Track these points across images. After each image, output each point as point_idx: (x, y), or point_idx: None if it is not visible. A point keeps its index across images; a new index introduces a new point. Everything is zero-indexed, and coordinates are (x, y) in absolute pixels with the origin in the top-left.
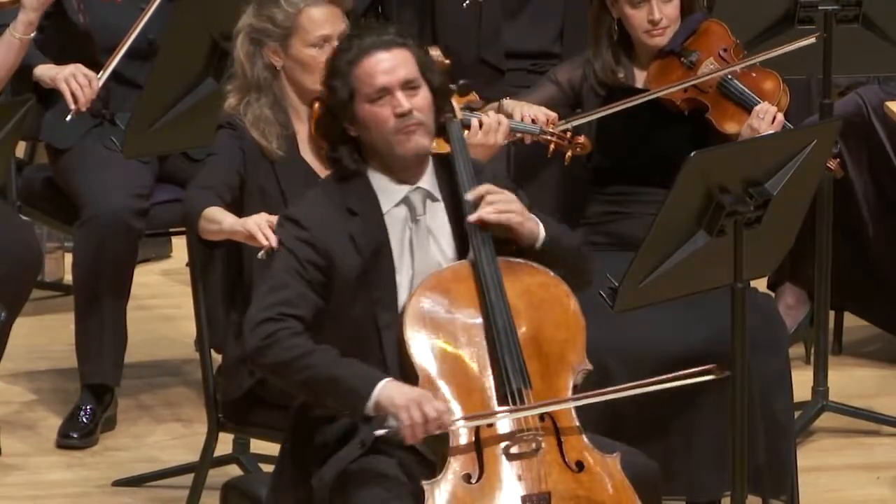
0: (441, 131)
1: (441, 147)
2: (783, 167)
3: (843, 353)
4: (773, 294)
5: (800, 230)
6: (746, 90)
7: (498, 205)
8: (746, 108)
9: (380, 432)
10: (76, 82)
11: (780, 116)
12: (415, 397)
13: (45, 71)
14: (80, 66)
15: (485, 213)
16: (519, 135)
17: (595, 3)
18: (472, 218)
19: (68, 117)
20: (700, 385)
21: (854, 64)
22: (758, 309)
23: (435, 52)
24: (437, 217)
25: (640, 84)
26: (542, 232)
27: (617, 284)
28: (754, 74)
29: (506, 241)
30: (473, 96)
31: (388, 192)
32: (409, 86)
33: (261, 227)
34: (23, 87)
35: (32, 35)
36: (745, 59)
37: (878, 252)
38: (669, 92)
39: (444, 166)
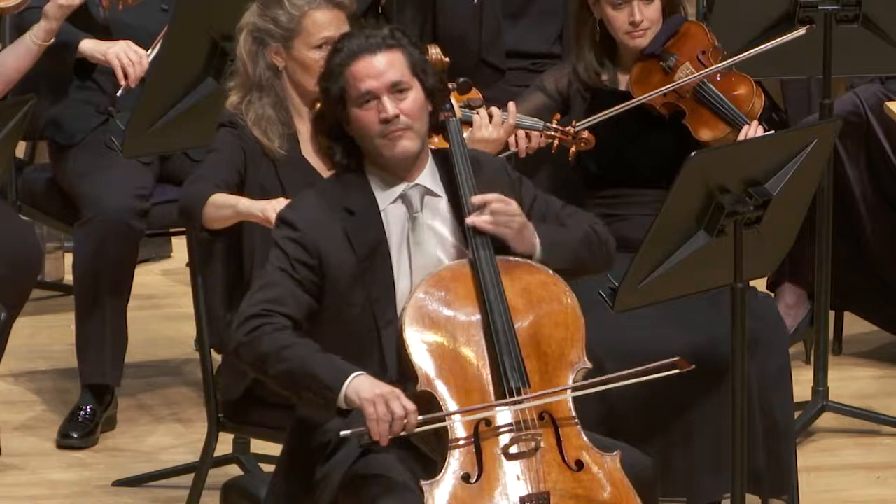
0: (440, 129)
1: (443, 143)
2: (783, 167)
3: (843, 353)
4: (772, 294)
5: (799, 230)
6: (722, 97)
7: (498, 217)
8: (721, 116)
9: (345, 433)
10: (127, 58)
11: (760, 131)
12: (383, 392)
13: (94, 46)
14: (130, 42)
15: (480, 220)
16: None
17: (576, 4)
18: (468, 220)
19: (119, 93)
20: (699, 386)
21: (854, 64)
22: (757, 309)
23: (434, 51)
24: (439, 212)
25: (623, 86)
26: (538, 247)
27: (617, 284)
28: (731, 79)
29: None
30: (475, 93)
31: (385, 189)
32: (397, 89)
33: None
34: (64, 63)
35: (52, 42)
36: (721, 61)
37: (876, 251)
38: (650, 98)
39: (446, 161)
